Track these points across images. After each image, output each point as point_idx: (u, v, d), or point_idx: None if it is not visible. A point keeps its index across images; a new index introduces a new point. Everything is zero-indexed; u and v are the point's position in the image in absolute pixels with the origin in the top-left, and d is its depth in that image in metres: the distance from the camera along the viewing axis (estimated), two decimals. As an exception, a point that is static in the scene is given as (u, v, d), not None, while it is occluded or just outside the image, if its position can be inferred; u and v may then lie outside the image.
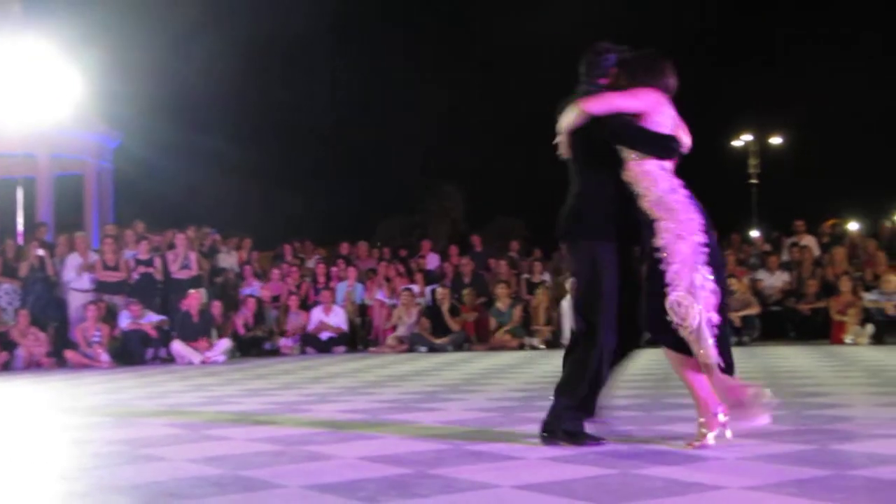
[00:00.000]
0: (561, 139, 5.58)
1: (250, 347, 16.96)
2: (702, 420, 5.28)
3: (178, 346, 15.85)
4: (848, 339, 15.31)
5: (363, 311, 18.49)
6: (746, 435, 5.55)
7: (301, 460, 5.25)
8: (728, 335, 5.32)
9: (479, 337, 17.35)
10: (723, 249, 18.75)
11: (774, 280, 17.66)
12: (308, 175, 29.94)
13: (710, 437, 5.22)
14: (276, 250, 21.29)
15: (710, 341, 5.12)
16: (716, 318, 5.17)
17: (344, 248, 20.86)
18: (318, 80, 28.65)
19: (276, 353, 17.06)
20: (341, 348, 17.35)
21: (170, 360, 15.92)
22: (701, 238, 5.21)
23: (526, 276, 19.16)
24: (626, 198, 5.36)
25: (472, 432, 6.08)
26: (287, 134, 28.89)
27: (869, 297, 15.50)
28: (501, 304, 17.25)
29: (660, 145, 5.35)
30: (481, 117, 32.89)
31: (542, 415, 6.86)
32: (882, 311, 15.21)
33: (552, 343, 16.75)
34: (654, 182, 5.29)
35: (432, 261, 20.30)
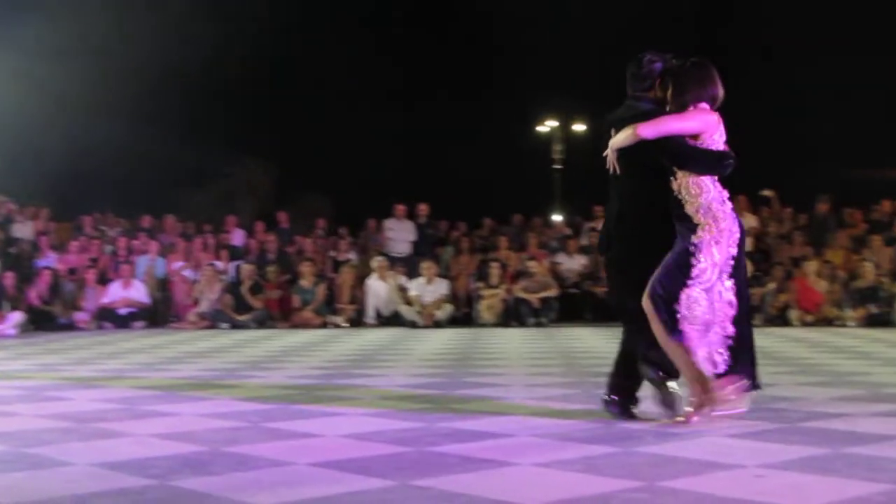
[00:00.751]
0: (610, 156, 5.63)
1: (44, 321, 16.40)
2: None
3: (-35, 318, 15.22)
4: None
5: (164, 285, 18.12)
6: (541, 414, 5.71)
7: (91, 437, 5.12)
8: (746, 345, 5.44)
9: (282, 314, 17.23)
10: (525, 232, 19.28)
11: (573, 263, 18.14)
12: (112, 146, 28.97)
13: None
14: (75, 221, 20.63)
15: (696, 351, 5.29)
16: (730, 329, 5.36)
17: (146, 220, 20.40)
18: (124, 47, 27.72)
19: (71, 327, 16.55)
20: (140, 323, 16.95)
21: (-43, 333, 15.25)
22: (734, 251, 5.39)
23: (331, 254, 19.15)
24: (666, 211, 5.50)
25: (270, 410, 6.04)
26: (90, 103, 27.86)
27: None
28: (306, 282, 17.17)
29: (715, 164, 5.48)
30: (287, 92, 32.57)
31: (342, 393, 6.92)
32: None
33: (356, 322, 16.80)
34: (703, 190, 5.41)
35: (237, 237, 20.05)
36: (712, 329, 5.35)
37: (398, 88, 38.10)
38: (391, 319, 16.69)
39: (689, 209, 5.42)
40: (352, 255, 18.91)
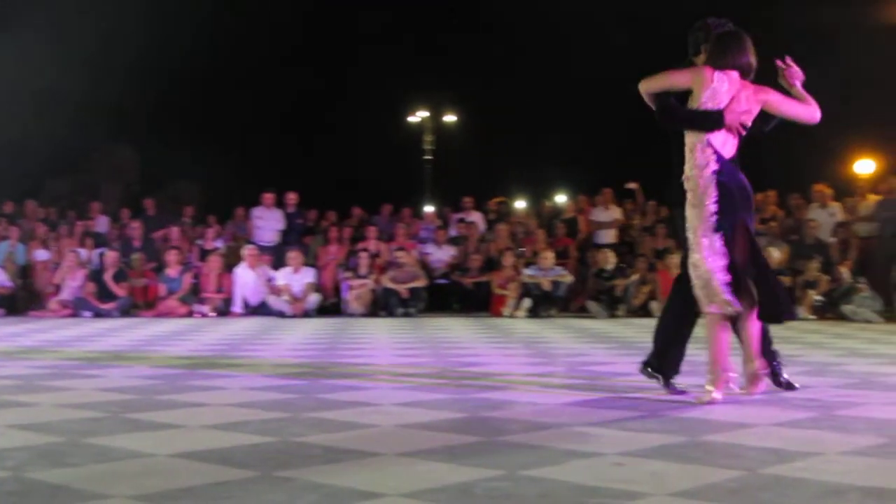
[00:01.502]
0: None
1: None
2: (710, 377, 5.82)
3: None
4: (506, 311, 16.07)
5: (25, 272, 17.63)
6: (407, 404, 5.73)
7: (-57, 429, 4.95)
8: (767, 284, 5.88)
9: (147, 303, 16.94)
10: (394, 223, 19.30)
11: (442, 254, 18.24)
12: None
13: (717, 395, 5.76)
14: (-70, 207, 19.94)
15: (722, 291, 5.73)
16: (726, 276, 5.73)
17: (7, 206, 19.83)
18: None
19: (-76, 315, 16.01)
20: (-1, 311, 16.48)
21: None
22: (712, 208, 5.71)
23: (198, 242, 18.88)
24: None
25: (131, 400, 5.93)
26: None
27: (527, 273, 16.30)
28: (172, 270, 16.90)
29: (695, 122, 5.79)
30: (155, 76, 31.97)
31: (207, 382, 6.83)
32: (538, 285, 16.05)
33: (222, 311, 16.59)
34: (692, 156, 5.80)
35: (102, 223, 19.63)
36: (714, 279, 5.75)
37: (269, 76, 37.73)
38: (258, 309, 16.55)
39: (684, 175, 5.86)
40: (219, 244, 18.68)
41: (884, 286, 15.84)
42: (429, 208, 24.70)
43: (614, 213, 18.55)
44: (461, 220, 19.50)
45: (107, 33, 30.70)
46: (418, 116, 39.20)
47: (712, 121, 5.75)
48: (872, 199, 17.22)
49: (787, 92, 6.13)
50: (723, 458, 4.18)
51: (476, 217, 19.75)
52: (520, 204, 27.13)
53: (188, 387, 6.59)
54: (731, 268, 5.74)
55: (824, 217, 17.23)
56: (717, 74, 5.78)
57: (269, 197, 18.82)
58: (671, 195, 6.20)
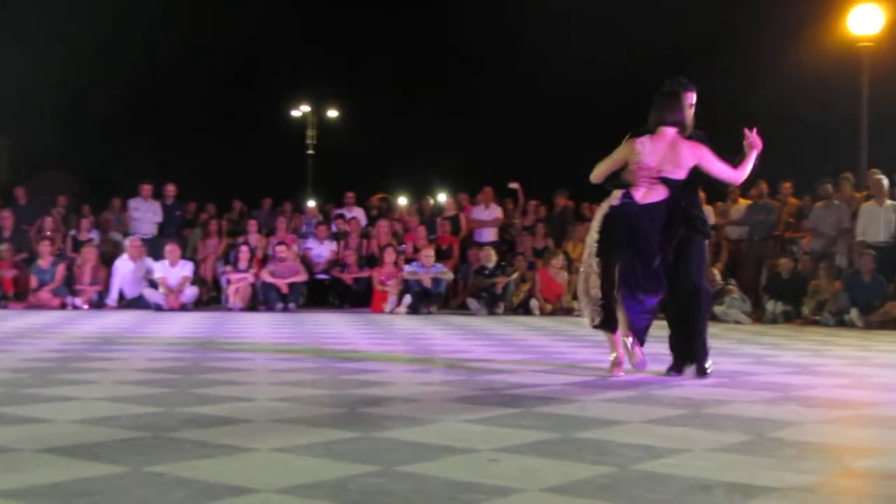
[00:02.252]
0: None
1: None
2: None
3: None
4: (387, 308, 16.07)
5: None
6: (284, 399, 5.69)
7: None
8: (610, 307, 6.89)
9: (17, 294, 16.48)
10: (275, 217, 19.14)
11: (322, 249, 18.15)
12: None
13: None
14: None
15: (587, 309, 7.06)
16: (598, 293, 6.86)
17: None
18: None
19: None
20: None
21: None
22: (595, 237, 6.83)
23: (72, 233, 18.46)
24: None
25: (-2, 394, 5.77)
26: None
27: (408, 269, 16.31)
28: (44, 262, 16.48)
29: (625, 180, 6.84)
30: (29, 62, 31.16)
31: (78, 376, 6.68)
32: (419, 282, 16.08)
33: (97, 304, 16.25)
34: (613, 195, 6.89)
35: (-31, 213, 19.03)
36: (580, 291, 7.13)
37: (150, 67, 37.11)
38: (134, 302, 16.25)
39: None
40: (94, 235, 18.29)
41: (753, 288, 16.29)
42: (310, 203, 24.53)
43: (495, 211, 18.69)
44: (340, 216, 19.42)
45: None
46: (300, 111, 38.90)
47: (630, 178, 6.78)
48: (743, 203, 17.66)
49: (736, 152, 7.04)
50: (594, 454, 4.25)
51: (357, 213, 19.70)
52: (402, 200, 27.13)
53: (57, 380, 6.44)
54: (603, 288, 6.83)
55: (698, 220, 17.59)
56: (641, 141, 6.73)
57: (146, 188, 18.49)
58: None
